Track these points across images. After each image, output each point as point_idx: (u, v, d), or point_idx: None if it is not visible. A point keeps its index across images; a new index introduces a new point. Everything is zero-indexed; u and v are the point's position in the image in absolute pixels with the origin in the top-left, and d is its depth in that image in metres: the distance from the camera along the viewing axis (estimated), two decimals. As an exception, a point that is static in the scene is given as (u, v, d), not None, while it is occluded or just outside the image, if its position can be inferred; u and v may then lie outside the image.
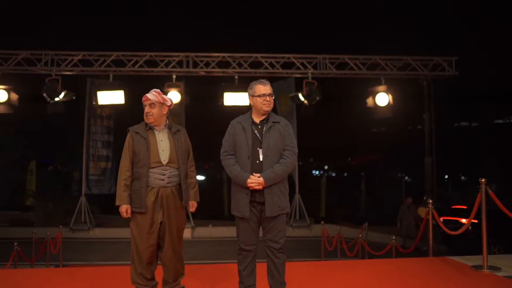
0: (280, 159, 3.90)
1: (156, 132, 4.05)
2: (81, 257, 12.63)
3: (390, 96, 11.08)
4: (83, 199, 15.51)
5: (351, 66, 11.38)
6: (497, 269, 5.27)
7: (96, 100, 10.99)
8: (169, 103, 4.10)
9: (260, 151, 3.90)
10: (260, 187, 3.83)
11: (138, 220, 3.90)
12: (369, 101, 11.34)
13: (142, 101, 4.06)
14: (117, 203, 3.91)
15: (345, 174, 31.63)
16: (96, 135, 15.73)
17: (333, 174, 33.37)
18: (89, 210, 15.75)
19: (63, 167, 28.93)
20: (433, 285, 4.72)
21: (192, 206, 4.14)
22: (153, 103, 4.00)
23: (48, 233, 10.50)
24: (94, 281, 4.97)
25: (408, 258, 6.51)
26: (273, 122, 3.98)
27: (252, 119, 4.03)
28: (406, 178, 24.03)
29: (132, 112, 11.22)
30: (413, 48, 12.10)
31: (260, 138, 3.94)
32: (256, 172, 3.86)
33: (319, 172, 32.96)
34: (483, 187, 5.35)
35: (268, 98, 3.98)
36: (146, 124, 4.05)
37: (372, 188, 24.08)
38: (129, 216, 3.91)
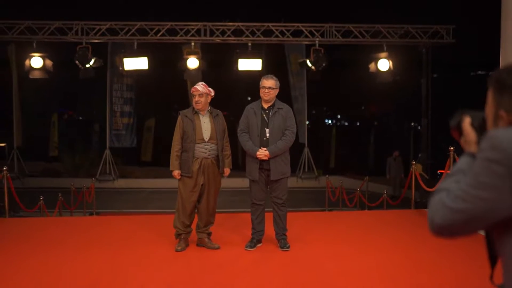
0: (282, 137, 5.04)
1: (201, 116, 5.13)
2: (111, 206, 13.98)
3: (391, 62, 11.97)
4: (107, 152, 16.74)
5: (356, 34, 12.09)
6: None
7: (122, 66, 12.05)
8: (212, 94, 5.17)
9: (267, 130, 5.05)
10: (266, 158, 5.00)
11: (185, 181, 5.10)
12: (372, 66, 12.20)
13: (192, 91, 5.10)
14: (170, 169, 5.11)
15: (358, 124, 32.04)
16: (119, 92, 16.78)
17: (346, 123, 33.71)
18: (113, 162, 17.01)
19: (81, 116, 30.01)
20: (399, 231, 5.99)
21: (226, 172, 5.29)
22: (201, 94, 5.06)
23: (84, 185, 11.90)
24: (140, 226, 6.34)
25: (390, 210, 7.80)
26: (277, 108, 5.11)
27: (262, 105, 5.15)
28: (419, 128, 24.49)
29: (151, 73, 12.29)
30: (413, 17, 12.76)
31: (267, 121, 5.07)
32: (264, 147, 5.02)
33: (331, 121, 33.39)
34: (451, 153, 6.52)
35: (267, 90, 5.05)
36: (193, 109, 5.14)
37: (383, 138, 24.47)
38: (179, 178, 5.12)
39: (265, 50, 12.56)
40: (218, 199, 5.45)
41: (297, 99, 16.76)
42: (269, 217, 5.36)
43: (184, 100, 19.67)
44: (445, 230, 1.28)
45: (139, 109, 18.01)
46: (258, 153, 5.02)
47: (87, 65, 11.54)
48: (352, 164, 21.51)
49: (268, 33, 12.14)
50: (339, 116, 32.97)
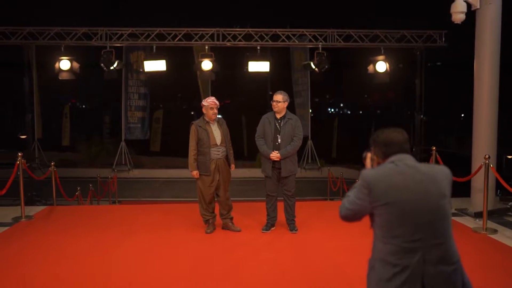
0: (291, 142, 6.21)
1: (211, 124, 6.30)
2: (131, 194, 15.12)
3: (388, 64, 13.03)
4: (123, 144, 17.81)
5: (355, 38, 12.96)
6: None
7: (143, 68, 13.18)
8: (218, 107, 6.36)
9: (279, 136, 6.21)
10: (278, 159, 6.18)
11: (204, 179, 6.25)
12: (370, 68, 13.21)
13: (211, 105, 6.18)
14: (190, 170, 6.25)
15: (360, 112, 32.18)
16: (133, 87, 17.89)
17: (348, 112, 34.18)
18: (128, 153, 18.08)
19: (94, 108, 31.00)
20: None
21: (232, 167, 6.50)
22: (217, 107, 6.25)
23: (109, 176, 13.07)
24: (169, 213, 7.56)
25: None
26: (288, 119, 6.27)
27: (275, 116, 6.33)
28: (422, 116, 25.16)
29: (166, 71, 13.38)
30: (409, 22, 13.68)
31: (279, 129, 6.24)
32: (276, 150, 6.19)
33: (334, 110, 33.96)
34: (433, 153, 7.70)
35: (275, 103, 6.22)
36: (204, 119, 6.29)
37: (385, 127, 25.03)
38: (198, 176, 6.26)
39: (271, 51, 13.62)
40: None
41: (300, 94, 17.68)
42: (280, 206, 6.55)
43: (191, 93, 20.51)
44: (345, 218, 2.51)
45: (152, 103, 19.02)
46: (271, 155, 6.21)
47: (111, 68, 12.69)
48: (353, 155, 22.22)
49: (275, 37, 13.04)
50: (341, 105, 33.36)
